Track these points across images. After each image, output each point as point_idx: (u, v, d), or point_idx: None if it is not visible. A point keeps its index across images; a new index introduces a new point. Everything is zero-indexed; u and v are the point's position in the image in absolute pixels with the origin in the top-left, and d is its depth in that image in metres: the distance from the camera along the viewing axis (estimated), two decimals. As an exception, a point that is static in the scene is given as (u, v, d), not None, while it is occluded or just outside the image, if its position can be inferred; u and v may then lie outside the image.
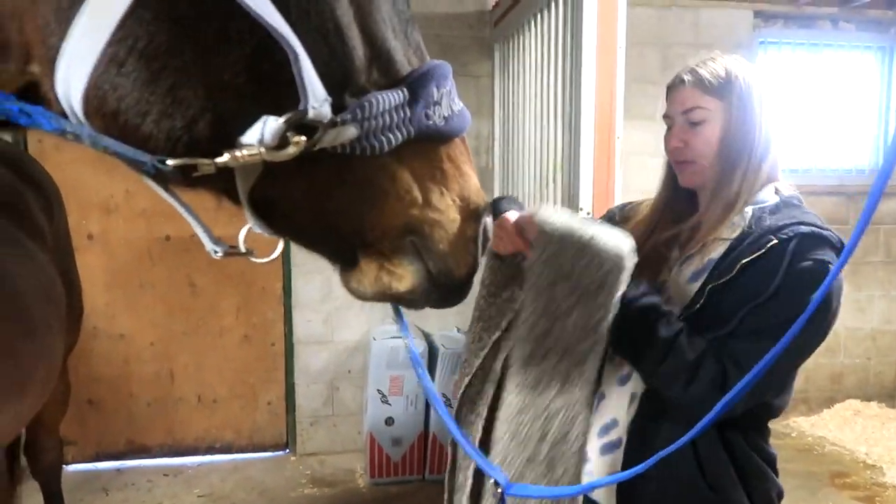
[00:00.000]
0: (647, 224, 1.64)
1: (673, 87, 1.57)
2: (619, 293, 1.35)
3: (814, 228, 1.37)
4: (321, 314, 4.22)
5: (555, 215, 1.35)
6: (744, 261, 1.38)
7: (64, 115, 0.80)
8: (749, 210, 1.46)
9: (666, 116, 1.58)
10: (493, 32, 4.06)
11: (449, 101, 0.92)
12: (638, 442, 1.49)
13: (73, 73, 0.75)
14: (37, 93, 0.80)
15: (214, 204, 0.92)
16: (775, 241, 1.36)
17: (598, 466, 1.56)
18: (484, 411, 1.57)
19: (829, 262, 1.32)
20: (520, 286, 1.52)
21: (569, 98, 2.75)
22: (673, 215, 1.60)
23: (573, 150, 2.73)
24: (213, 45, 0.75)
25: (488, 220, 1.02)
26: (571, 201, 2.75)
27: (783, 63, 4.88)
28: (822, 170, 4.96)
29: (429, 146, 0.92)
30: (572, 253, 1.31)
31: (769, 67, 4.85)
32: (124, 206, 4.00)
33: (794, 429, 4.84)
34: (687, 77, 1.52)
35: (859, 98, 5.01)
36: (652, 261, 1.56)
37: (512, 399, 1.41)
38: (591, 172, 2.67)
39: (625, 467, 1.46)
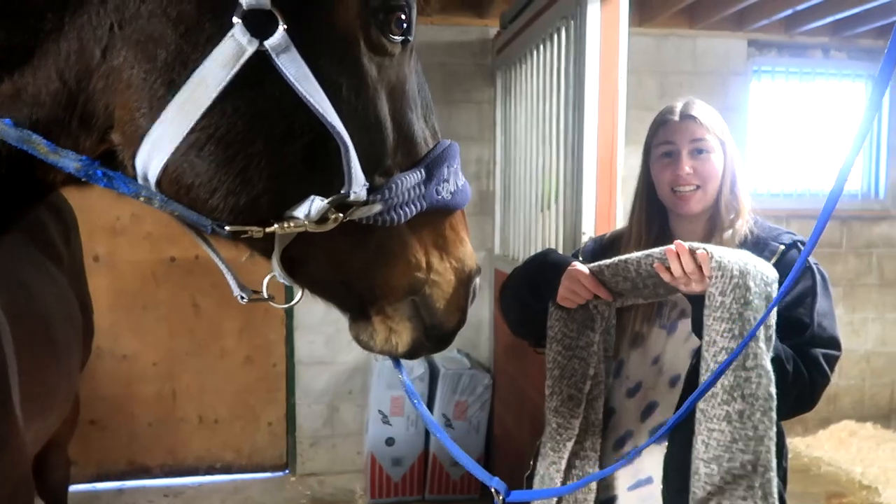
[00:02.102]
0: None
1: (670, 121, 1.72)
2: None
3: (794, 235, 1.67)
4: (323, 335, 4.25)
5: (723, 250, 1.47)
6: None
7: (135, 179, 0.90)
8: (739, 226, 1.69)
9: (664, 143, 1.67)
10: (495, 60, 4.15)
11: (455, 179, 1.07)
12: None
13: (156, 150, 0.85)
14: (111, 158, 0.90)
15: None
16: (782, 247, 1.62)
17: (621, 479, 1.64)
18: (594, 465, 1.63)
19: (816, 263, 1.64)
20: (592, 329, 1.62)
21: (571, 124, 2.83)
22: (650, 241, 1.75)
23: (576, 175, 2.80)
24: (280, 136, 0.87)
25: (477, 280, 1.15)
26: (574, 225, 2.82)
27: (776, 91, 5.00)
28: (814, 194, 5.05)
29: (435, 217, 1.06)
30: (751, 278, 1.43)
31: (763, 95, 4.96)
32: (130, 229, 4.04)
33: (790, 449, 4.84)
34: (693, 113, 1.69)
35: (850, 125, 5.13)
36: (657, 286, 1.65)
37: (720, 432, 1.43)
38: (594, 197, 2.74)
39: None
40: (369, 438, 3.99)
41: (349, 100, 0.90)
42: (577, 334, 1.64)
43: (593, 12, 2.63)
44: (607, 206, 2.73)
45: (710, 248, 1.45)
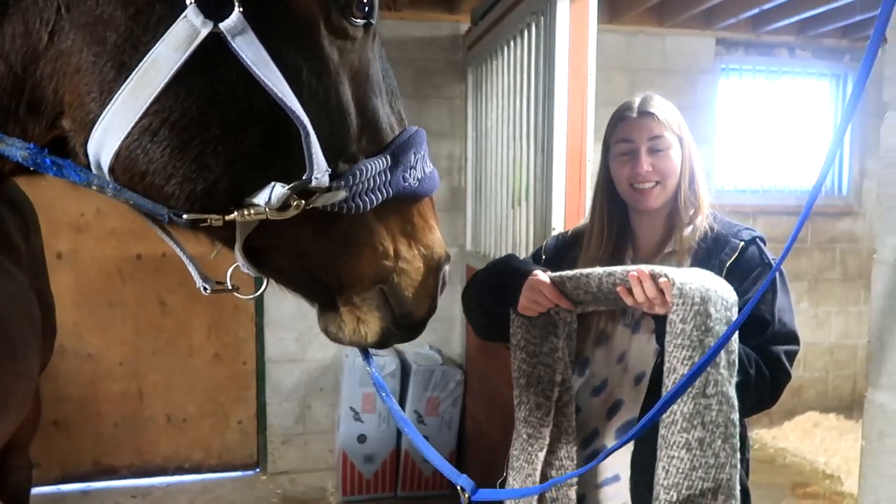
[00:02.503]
0: (595, 249, 1.77)
1: (632, 117, 1.71)
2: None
3: (754, 231, 1.68)
4: (294, 332, 4.21)
5: (686, 275, 1.43)
6: (728, 262, 1.60)
7: (87, 167, 0.87)
8: (699, 222, 1.68)
9: (622, 142, 1.68)
10: (466, 56, 4.15)
11: (423, 165, 1.05)
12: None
13: (109, 136, 0.83)
14: (62, 146, 0.87)
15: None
16: (742, 243, 1.62)
17: (587, 478, 1.64)
18: (570, 466, 1.61)
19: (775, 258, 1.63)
20: (555, 335, 1.60)
21: (541, 120, 2.84)
22: (611, 237, 1.76)
23: (545, 171, 2.81)
24: (237, 120, 0.85)
25: (447, 268, 1.13)
26: (544, 221, 2.83)
27: (744, 89, 5.07)
28: (780, 190, 5.14)
29: (402, 204, 1.04)
30: (711, 304, 1.40)
31: (731, 93, 5.03)
32: (95, 225, 3.96)
33: (756, 441, 4.97)
34: (651, 110, 1.69)
35: (815, 122, 5.22)
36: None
37: (679, 460, 1.41)
38: (563, 193, 2.75)
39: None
40: (341, 436, 3.97)
41: (310, 84, 0.88)
42: (541, 340, 1.62)
43: (562, 9, 2.64)
44: (577, 202, 2.74)
45: (672, 273, 1.42)
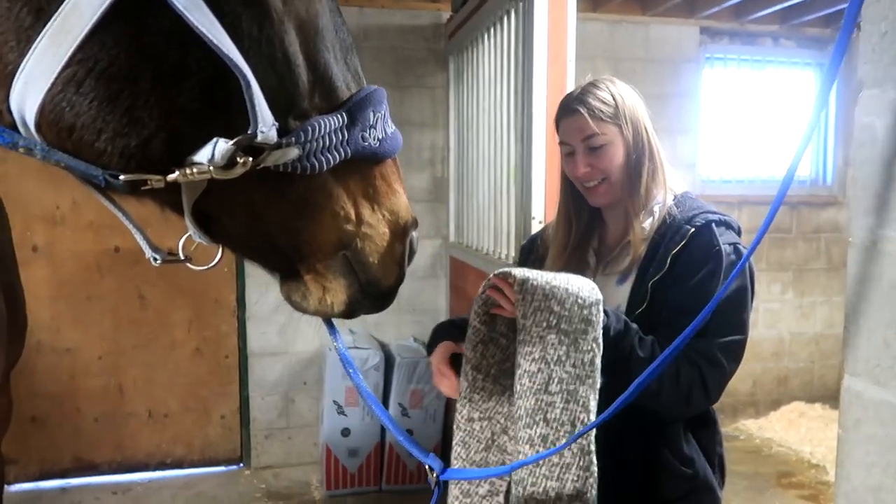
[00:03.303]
0: (562, 242, 1.72)
1: (566, 116, 1.64)
2: (601, 327, 1.39)
3: (720, 216, 1.56)
4: (276, 326, 4.17)
5: (529, 272, 1.41)
6: (674, 251, 1.50)
7: (14, 127, 0.82)
8: (656, 210, 1.60)
9: (563, 143, 1.67)
10: (447, 45, 4.10)
11: (384, 125, 0.99)
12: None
13: (31, 88, 0.77)
14: None
15: (160, 217, 0.95)
16: (693, 230, 1.51)
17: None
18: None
19: (741, 245, 1.52)
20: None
21: (521, 109, 2.80)
22: (579, 228, 1.71)
23: (525, 161, 2.77)
24: (171, 71, 0.79)
25: (414, 234, 1.08)
26: (524, 211, 2.80)
27: (728, 78, 5.05)
28: (764, 180, 5.14)
29: (363, 166, 0.98)
30: (556, 301, 1.37)
31: (715, 82, 5.02)
32: (71, 218, 3.90)
33: (742, 431, 4.98)
34: (580, 107, 1.60)
35: (800, 112, 5.22)
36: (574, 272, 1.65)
37: (524, 455, 1.37)
38: (542, 182, 2.72)
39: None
40: (325, 430, 3.93)
41: (250, 32, 0.82)
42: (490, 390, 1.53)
43: (541, -5, 2.60)
44: (557, 191, 2.70)
45: (518, 272, 1.40)
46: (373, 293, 1.02)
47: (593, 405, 1.37)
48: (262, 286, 4.08)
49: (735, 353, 1.49)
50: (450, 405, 4.06)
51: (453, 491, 1.48)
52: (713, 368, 1.45)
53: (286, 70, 0.87)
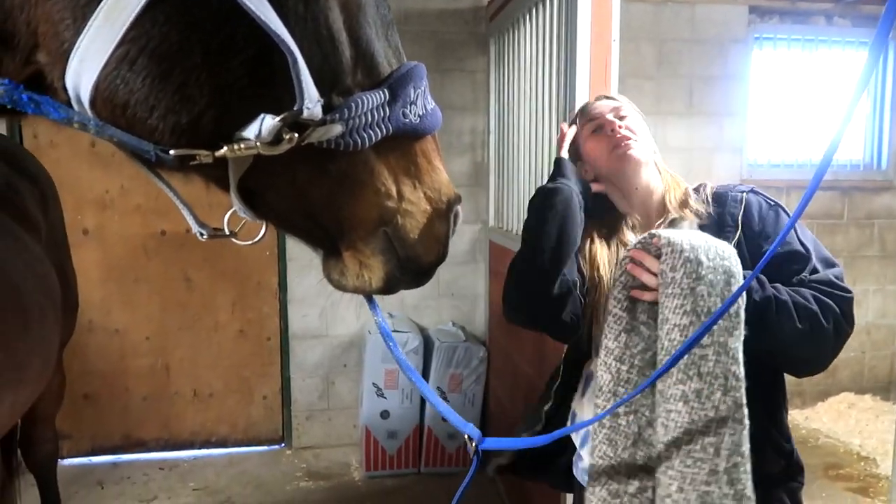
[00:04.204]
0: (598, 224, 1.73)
1: (587, 107, 1.76)
2: (740, 279, 1.39)
3: (745, 186, 1.65)
4: (317, 308, 4.22)
5: (672, 231, 1.44)
6: (738, 215, 1.56)
7: (69, 104, 0.83)
8: (702, 193, 1.65)
9: (590, 120, 1.70)
10: (488, 28, 4.06)
11: (424, 101, 0.99)
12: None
13: (86, 66, 0.79)
14: (40, 82, 0.84)
15: (203, 201, 0.97)
16: (744, 193, 1.60)
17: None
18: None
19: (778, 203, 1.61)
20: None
21: (563, 92, 2.76)
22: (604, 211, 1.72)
23: (568, 144, 2.73)
24: (220, 48, 0.80)
25: (458, 208, 1.07)
26: (566, 195, 2.76)
27: (778, 59, 4.89)
28: (815, 165, 4.95)
29: (404, 142, 0.98)
30: (702, 251, 1.38)
31: (764, 63, 4.86)
32: (119, 202, 4.00)
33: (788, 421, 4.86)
34: (603, 97, 1.77)
35: (846, 93, 5.02)
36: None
37: (677, 413, 1.36)
38: (585, 166, 2.68)
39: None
40: (364, 412, 3.98)
41: (296, 9, 0.83)
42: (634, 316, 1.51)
43: (585, -26, 2.54)
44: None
45: (659, 231, 1.43)
46: (412, 269, 1.02)
47: (741, 357, 1.36)
48: (304, 269, 4.13)
49: (843, 280, 1.50)
50: (488, 388, 4.06)
51: (599, 493, 1.45)
52: (844, 296, 1.46)
53: (330, 46, 0.87)
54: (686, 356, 1.32)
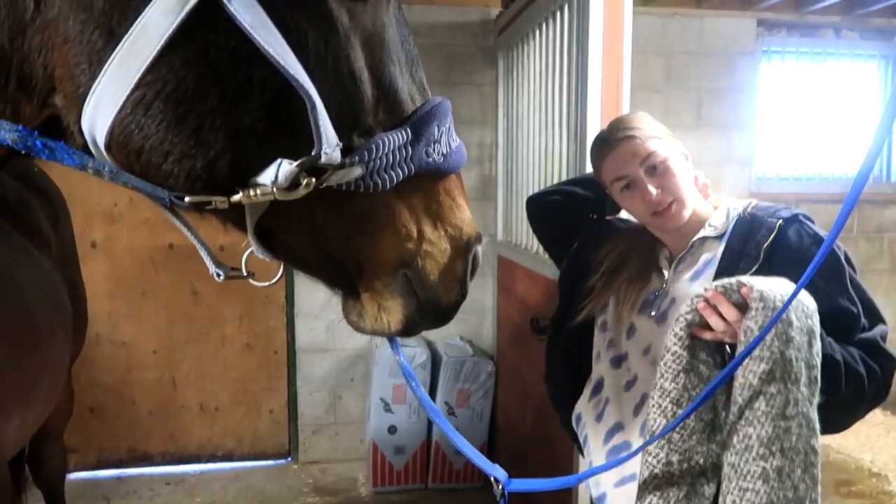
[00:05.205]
0: (627, 244, 1.71)
1: (611, 149, 1.60)
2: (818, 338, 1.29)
3: (794, 209, 1.56)
4: (324, 322, 4.21)
5: (762, 280, 1.30)
6: (765, 244, 1.47)
7: (85, 147, 0.83)
8: (727, 209, 1.59)
9: (617, 179, 1.60)
10: (496, 41, 4.06)
11: (448, 139, 0.96)
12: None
13: (101, 111, 0.78)
14: (57, 125, 0.83)
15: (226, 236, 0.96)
16: (780, 221, 1.49)
17: (608, 476, 1.57)
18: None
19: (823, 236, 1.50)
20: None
21: (574, 106, 2.75)
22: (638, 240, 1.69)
23: (579, 159, 2.72)
24: (237, 92, 0.79)
25: (479, 248, 1.04)
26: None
27: (786, 72, 4.88)
28: (825, 178, 4.95)
29: (427, 181, 0.95)
30: (792, 310, 1.25)
31: (773, 76, 4.86)
32: (128, 215, 4.00)
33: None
34: (624, 135, 1.58)
35: (863, 107, 5.01)
36: (644, 272, 1.65)
37: (755, 493, 1.23)
38: (596, 180, 2.67)
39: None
40: (371, 426, 3.95)
41: (316, 50, 0.81)
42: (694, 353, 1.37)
43: (596, -12, 2.54)
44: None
45: (748, 279, 1.27)
46: (431, 311, 1.00)
47: (817, 427, 1.25)
48: (311, 283, 4.09)
49: (885, 340, 1.45)
50: (496, 403, 4.03)
51: None
52: (886, 360, 1.41)
53: (352, 86, 0.85)
54: (770, 429, 1.21)
